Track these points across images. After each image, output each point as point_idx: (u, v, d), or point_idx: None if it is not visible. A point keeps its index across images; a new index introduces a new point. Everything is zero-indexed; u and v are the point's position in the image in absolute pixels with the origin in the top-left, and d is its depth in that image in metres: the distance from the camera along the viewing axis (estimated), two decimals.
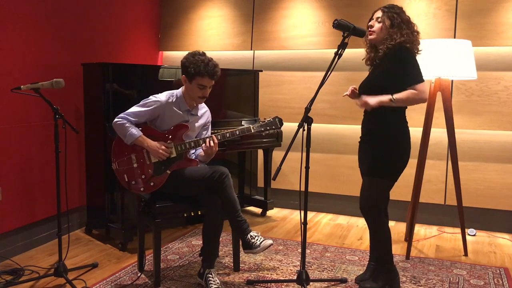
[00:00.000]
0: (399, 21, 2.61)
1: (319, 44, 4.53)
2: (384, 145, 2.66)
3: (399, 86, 2.58)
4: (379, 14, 2.67)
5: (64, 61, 3.70)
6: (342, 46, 2.56)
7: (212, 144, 2.82)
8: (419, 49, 2.68)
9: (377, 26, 2.66)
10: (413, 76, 2.58)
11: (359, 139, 2.85)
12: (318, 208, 4.64)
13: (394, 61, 2.60)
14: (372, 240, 2.86)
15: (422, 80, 2.58)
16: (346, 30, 2.58)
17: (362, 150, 2.82)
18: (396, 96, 2.54)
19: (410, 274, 3.12)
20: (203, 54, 2.82)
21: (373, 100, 2.58)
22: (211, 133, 3.05)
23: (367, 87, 2.72)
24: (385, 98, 2.55)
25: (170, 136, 2.86)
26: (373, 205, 2.71)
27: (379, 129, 2.69)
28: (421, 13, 4.15)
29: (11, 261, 3.15)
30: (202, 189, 2.79)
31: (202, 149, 2.87)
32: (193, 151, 3.01)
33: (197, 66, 2.76)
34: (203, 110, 3.06)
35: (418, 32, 2.68)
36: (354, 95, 2.85)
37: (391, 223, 2.79)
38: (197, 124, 2.99)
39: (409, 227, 3.63)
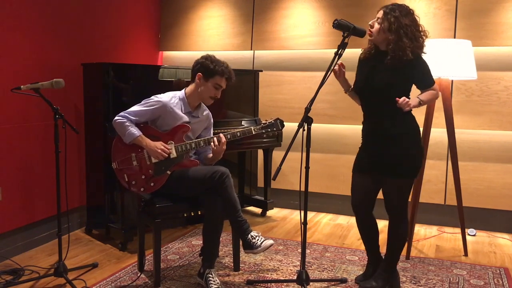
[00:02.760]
0: (396, 26, 2.53)
1: (319, 44, 4.53)
2: (409, 145, 2.66)
3: (408, 88, 2.65)
4: (380, 14, 2.61)
5: (64, 61, 3.70)
6: (342, 46, 2.57)
7: (219, 142, 2.81)
8: (424, 53, 2.66)
9: (375, 27, 2.61)
10: (431, 78, 2.66)
11: (368, 140, 2.77)
12: (318, 208, 4.64)
13: (411, 68, 2.59)
14: (392, 241, 2.79)
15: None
16: (346, 30, 2.58)
17: (377, 151, 2.70)
18: (422, 97, 2.62)
19: (410, 274, 3.12)
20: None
21: (412, 102, 2.55)
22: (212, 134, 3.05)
23: (378, 88, 2.64)
24: (415, 101, 2.58)
25: (170, 137, 2.86)
26: (405, 205, 2.73)
27: (400, 129, 2.65)
28: (421, 13, 4.14)
29: (11, 261, 3.14)
30: (203, 190, 2.79)
31: (211, 148, 2.86)
32: (193, 151, 3.01)
33: (220, 65, 2.83)
34: (205, 112, 3.05)
35: (424, 32, 2.61)
36: (340, 73, 2.78)
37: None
38: (198, 126, 2.99)
39: (409, 227, 3.62)
